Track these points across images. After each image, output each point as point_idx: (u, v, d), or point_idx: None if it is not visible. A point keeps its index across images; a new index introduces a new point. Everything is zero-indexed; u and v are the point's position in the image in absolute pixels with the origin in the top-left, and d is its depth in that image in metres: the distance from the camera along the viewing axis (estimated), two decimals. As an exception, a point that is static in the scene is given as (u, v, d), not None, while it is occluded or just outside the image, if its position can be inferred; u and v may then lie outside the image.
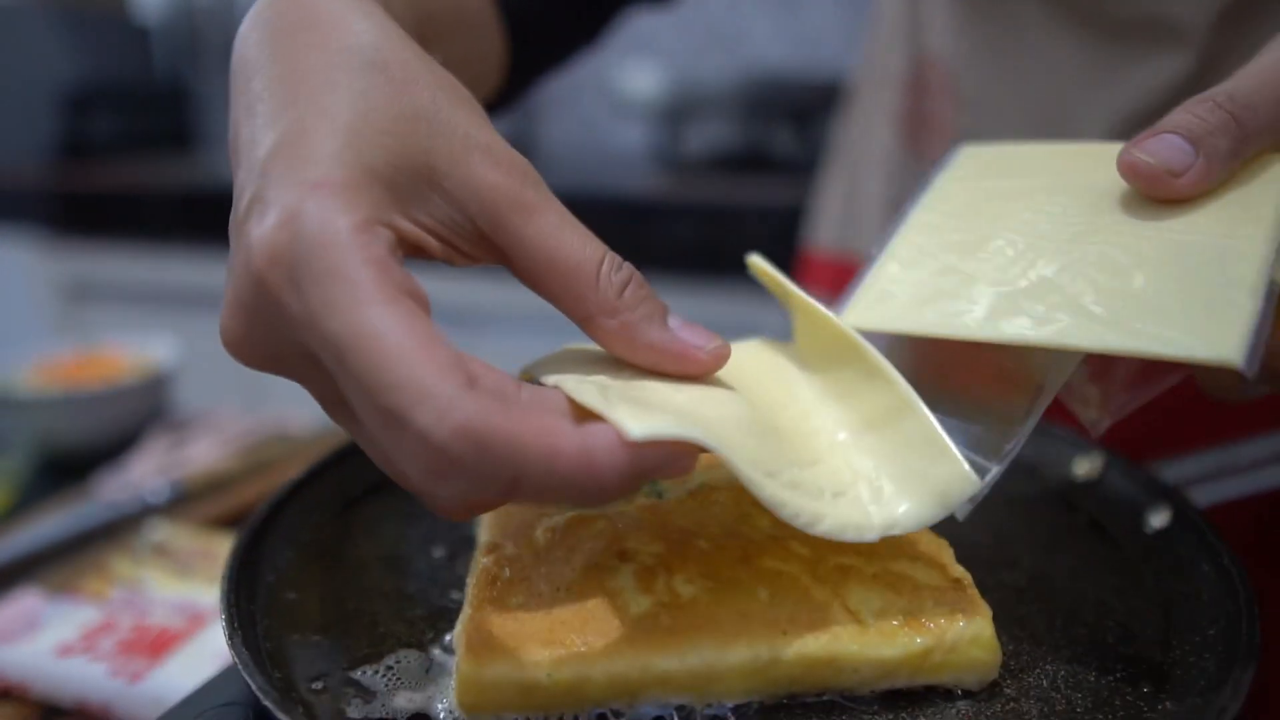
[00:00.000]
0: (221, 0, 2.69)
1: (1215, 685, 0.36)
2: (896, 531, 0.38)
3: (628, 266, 0.38)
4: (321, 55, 0.36)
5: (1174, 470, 0.55)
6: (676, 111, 2.10)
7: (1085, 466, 0.55)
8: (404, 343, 0.29)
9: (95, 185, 2.24)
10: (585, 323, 0.38)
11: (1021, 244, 0.43)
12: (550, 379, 0.37)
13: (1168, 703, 0.37)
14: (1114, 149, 0.42)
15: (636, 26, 2.40)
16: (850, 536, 0.37)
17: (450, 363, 0.30)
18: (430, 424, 0.29)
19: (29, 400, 0.98)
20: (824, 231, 0.95)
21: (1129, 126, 0.65)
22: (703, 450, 0.33)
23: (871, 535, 0.37)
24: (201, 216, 2.13)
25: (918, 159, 0.82)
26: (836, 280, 0.91)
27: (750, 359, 0.47)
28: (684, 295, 1.71)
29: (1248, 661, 0.36)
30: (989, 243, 0.44)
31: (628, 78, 2.17)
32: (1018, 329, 0.39)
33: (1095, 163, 0.45)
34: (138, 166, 2.38)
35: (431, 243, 0.36)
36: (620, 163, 2.32)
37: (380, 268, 0.31)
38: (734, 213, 1.79)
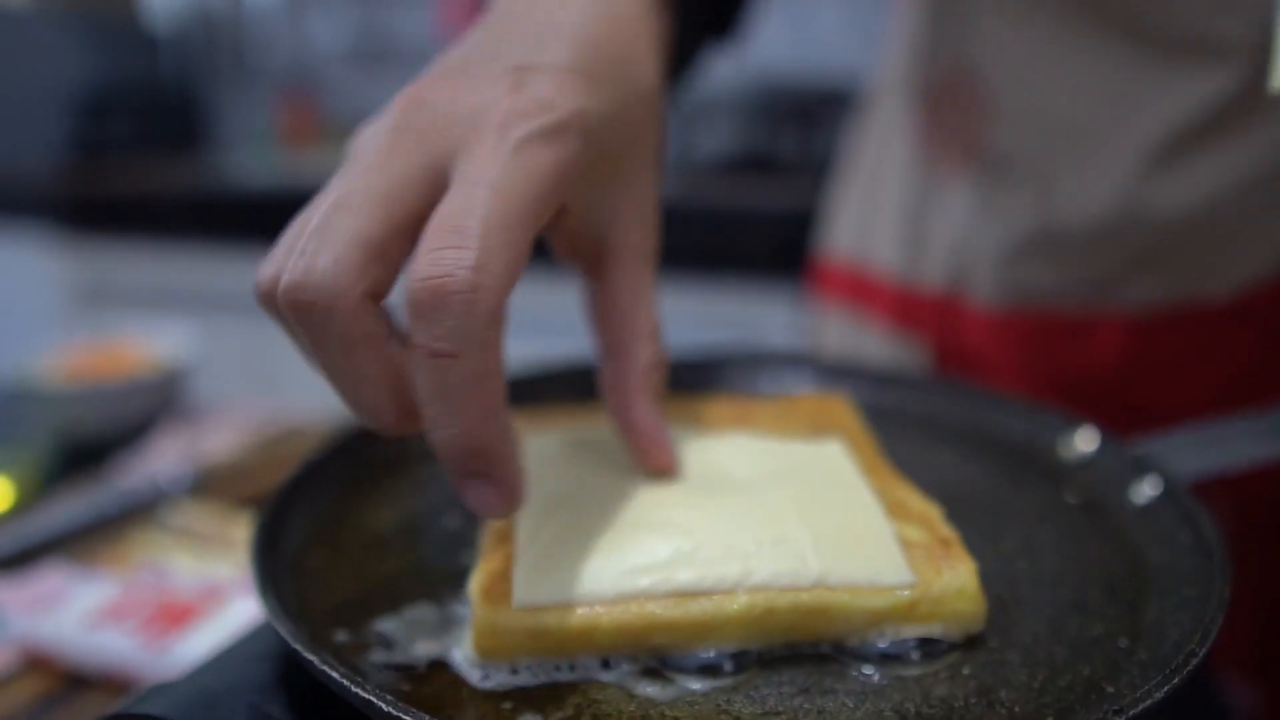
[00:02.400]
0: (232, 5, 2.72)
1: (1187, 634, 0.38)
2: (830, 582, 0.39)
3: (665, 350, 0.47)
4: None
5: (1158, 445, 0.57)
6: (683, 115, 2.12)
7: (1075, 446, 0.57)
8: (514, 237, 0.36)
9: (107, 187, 2.27)
10: (608, 355, 0.46)
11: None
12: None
13: (1142, 653, 0.39)
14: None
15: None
16: (784, 582, 0.39)
17: (515, 272, 0.36)
18: (474, 262, 0.34)
19: (48, 392, 1.00)
20: (839, 240, 0.96)
21: (1168, 143, 0.67)
22: None
23: (806, 581, 0.39)
24: (212, 218, 2.16)
25: (937, 172, 0.83)
26: (851, 289, 0.93)
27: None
28: (690, 297, 1.74)
29: (1217, 612, 0.38)
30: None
31: (634, 83, 2.19)
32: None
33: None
34: (149, 169, 2.41)
35: (572, 219, 0.43)
36: (627, 167, 2.35)
37: (555, 194, 0.38)
38: (740, 216, 1.82)
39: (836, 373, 0.68)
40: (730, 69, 2.30)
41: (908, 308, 0.87)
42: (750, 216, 1.80)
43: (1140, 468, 0.52)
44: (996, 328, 0.79)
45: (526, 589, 0.39)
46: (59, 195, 2.29)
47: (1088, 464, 0.56)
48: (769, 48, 2.33)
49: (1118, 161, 0.69)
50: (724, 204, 1.85)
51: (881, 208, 0.89)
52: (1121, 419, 0.69)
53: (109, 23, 2.64)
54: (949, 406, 0.64)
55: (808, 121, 2.05)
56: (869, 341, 0.90)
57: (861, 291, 0.91)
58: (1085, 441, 0.57)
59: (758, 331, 1.70)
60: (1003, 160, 0.76)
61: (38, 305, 2.29)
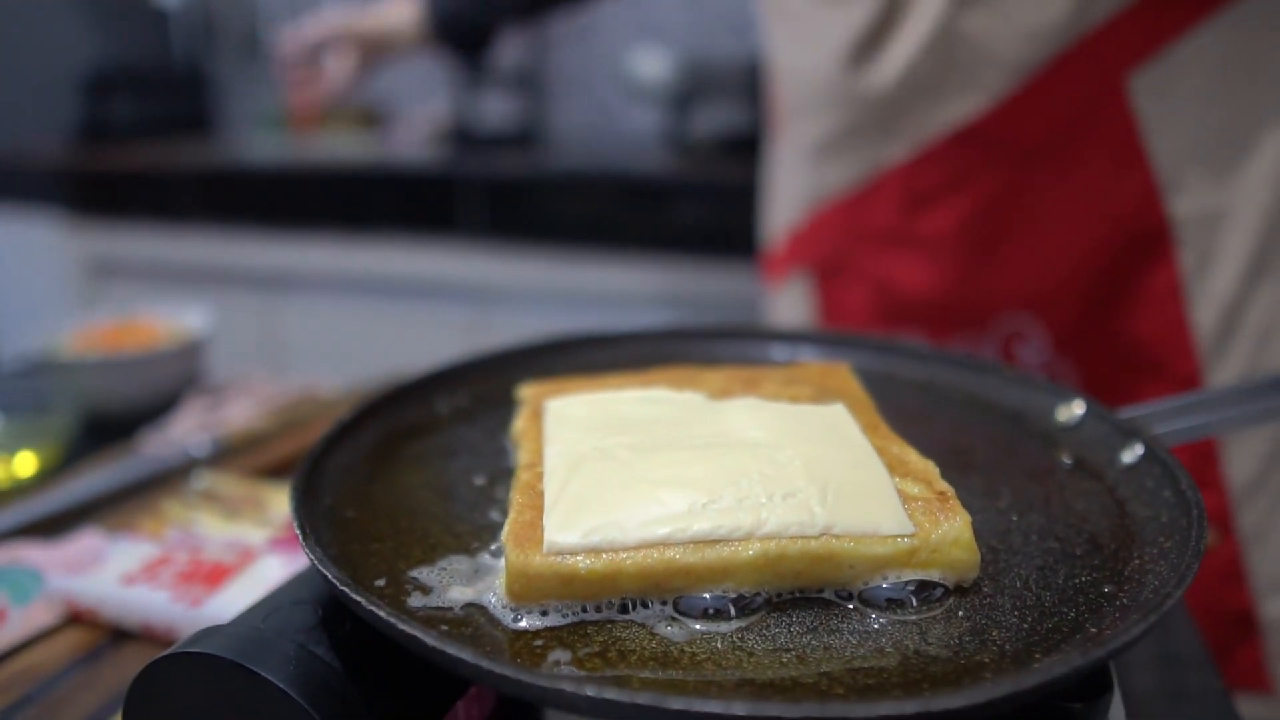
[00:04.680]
0: (239, -15, 2.73)
1: (1164, 580, 0.41)
2: (836, 532, 0.42)
3: None
4: None
5: (1143, 411, 0.60)
6: (686, 95, 2.14)
7: (1066, 412, 0.60)
8: None
9: (116, 166, 2.29)
10: None
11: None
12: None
13: (1124, 598, 0.42)
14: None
15: (647, 12, 2.45)
16: (794, 532, 0.42)
17: None
18: None
19: (75, 363, 1.03)
20: (779, 216, 1.13)
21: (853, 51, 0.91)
22: None
23: (814, 531, 0.42)
24: (218, 196, 2.19)
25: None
26: (803, 250, 1.08)
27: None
28: (692, 273, 1.77)
29: (1193, 560, 0.41)
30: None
31: (638, 62, 2.21)
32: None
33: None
34: (157, 148, 2.43)
35: None
36: (631, 145, 2.37)
37: None
38: (741, 193, 1.84)
39: (838, 343, 0.71)
40: (732, 50, 2.32)
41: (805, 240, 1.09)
42: (750, 194, 1.83)
43: (1126, 432, 0.55)
44: (826, 222, 1.03)
45: (556, 536, 0.42)
46: (67, 174, 2.31)
47: (1077, 431, 0.59)
48: (771, 27, 2.34)
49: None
50: (725, 182, 1.88)
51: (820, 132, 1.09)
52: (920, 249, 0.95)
53: (118, 1, 2.66)
54: (945, 375, 0.67)
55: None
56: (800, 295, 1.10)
57: (809, 248, 1.09)
58: (1075, 410, 0.60)
59: (758, 309, 1.73)
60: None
61: (50, 283, 2.31)
